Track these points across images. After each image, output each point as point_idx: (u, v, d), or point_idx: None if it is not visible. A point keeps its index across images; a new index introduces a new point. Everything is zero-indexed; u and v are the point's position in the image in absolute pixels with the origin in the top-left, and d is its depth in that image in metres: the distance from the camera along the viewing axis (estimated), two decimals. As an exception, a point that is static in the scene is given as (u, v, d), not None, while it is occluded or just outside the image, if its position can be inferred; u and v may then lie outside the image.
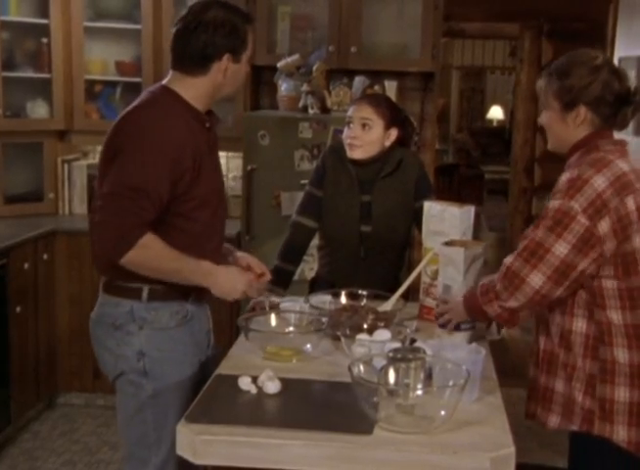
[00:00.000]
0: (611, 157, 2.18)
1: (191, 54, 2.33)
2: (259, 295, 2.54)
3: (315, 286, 3.20)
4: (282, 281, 3.04)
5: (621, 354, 2.15)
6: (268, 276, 2.58)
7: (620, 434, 2.15)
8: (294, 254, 3.17)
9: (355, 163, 3.03)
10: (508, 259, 2.20)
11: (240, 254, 2.65)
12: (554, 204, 2.13)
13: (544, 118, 2.30)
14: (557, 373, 2.24)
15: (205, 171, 2.35)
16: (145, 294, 2.35)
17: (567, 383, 2.22)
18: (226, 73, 2.36)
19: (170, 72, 2.40)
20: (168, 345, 2.38)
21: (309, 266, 4.10)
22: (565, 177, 2.17)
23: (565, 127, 2.25)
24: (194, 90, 2.36)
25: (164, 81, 2.40)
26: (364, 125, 2.99)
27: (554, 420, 2.26)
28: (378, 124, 2.99)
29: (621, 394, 2.14)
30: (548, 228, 2.12)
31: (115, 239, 2.21)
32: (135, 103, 2.36)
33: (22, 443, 3.95)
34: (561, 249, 2.10)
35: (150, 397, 2.36)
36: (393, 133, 3.02)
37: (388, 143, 3.02)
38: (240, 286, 2.36)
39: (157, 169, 2.23)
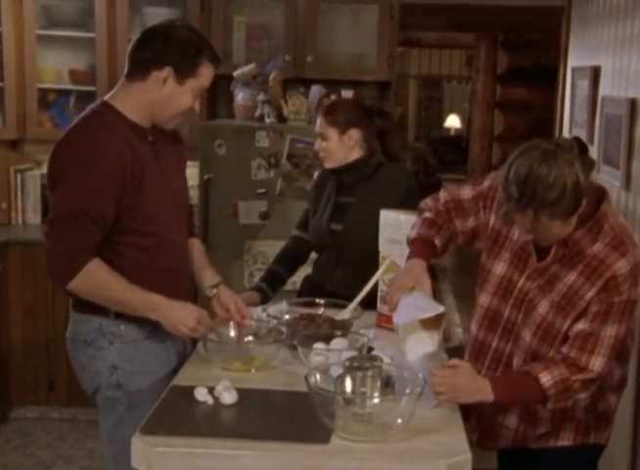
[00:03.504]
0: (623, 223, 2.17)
1: (137, 57, 2.32)
2: (208, 333, 2.39)
3: (304, 284, 3.29)
4: (270, 282, 3.12)
5: None
6: (247, 322, 2.50)
7: None
8: (287, 260, 3.25)
9: (334, 171, 3.12)
10: (596, 365, 2.09)
11: (224, 290, 2.53)
12: (623, 297, 2.08)
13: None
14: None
15: (151, 185, 2.33)
16: (112, 310, 2.34)
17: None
18: (163, 87, 2.31)
19: (118, 83, 2.39)
20: (140, 356, 2.38)
21: (267, 275, 4.09)
22: (623, 268, 2.08)
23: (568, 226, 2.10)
24: (131, 100, 2.33)
25: (107, 96, 2.39)
26: (322, 138, 3.07)
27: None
28: (332, 133, 3.05)
29: None
30: (619, 321, 2.10)
31: (61, 264, 2.24)
32: (72, 124, 2.34)
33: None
34: (621, 330, 2.11)
35: (126, 409, 2.35)
36: (354, 134, 3.04)
37: (351, 143, 3.05)
38: (189, 322, 2.30)
39: (95, 189, 2.22)
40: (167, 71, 2.29)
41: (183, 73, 2.31)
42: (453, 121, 13.16)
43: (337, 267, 3.12)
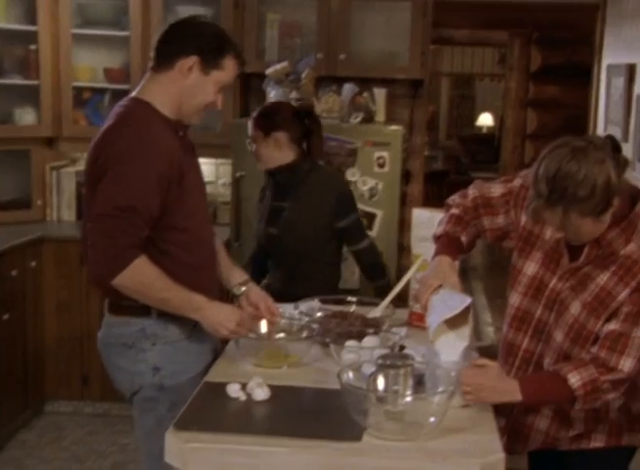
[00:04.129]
0: None
1: (163, 49, 2.33)
2: (248, 334, 2.42)
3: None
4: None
5: None
6: (277, 319, 2.51)
7: None
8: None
9: (270, 173, 3.24)
10: (625, 366, 2.05)
11: (253, 288, 2.56)
12: None
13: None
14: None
15: (189, 180, 2.35)
16: (154, 311, 2.34)
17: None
18: (189, 76, 2.31)
19: (144, 78, 2.40)
20: (180, 356, 2.39)
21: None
22: None
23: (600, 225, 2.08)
24: (160, 92, 2.33)
25: (135, 92, 2.39)
26: (253, 142, 3.19)
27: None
28: (258, 137, 3.17)
29: None
30: None
31: (107, 260, 2.22)
32: (110, 122, 2.34)
33: (10, 450, 3.92)
34: None
35: (168, 410, 2.34)
36: (279, 136, 3.13)
37: (278, 146, 3.13)
38: (229, 325, 2.31)
39: (142, 185, 2.23)
40: (193, 60, 2.30)
41: (208, 64, 2.32)
42: (485, 120, 13.07)
43: (277, 269, 3.25)
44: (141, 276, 2.24)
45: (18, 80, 4.40)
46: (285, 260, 3.23)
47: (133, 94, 2.39)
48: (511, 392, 2.04)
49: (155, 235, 2.29)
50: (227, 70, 2.35)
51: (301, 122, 3.20)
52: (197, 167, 2.48)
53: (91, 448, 3.97)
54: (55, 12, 4.36)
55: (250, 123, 3.21)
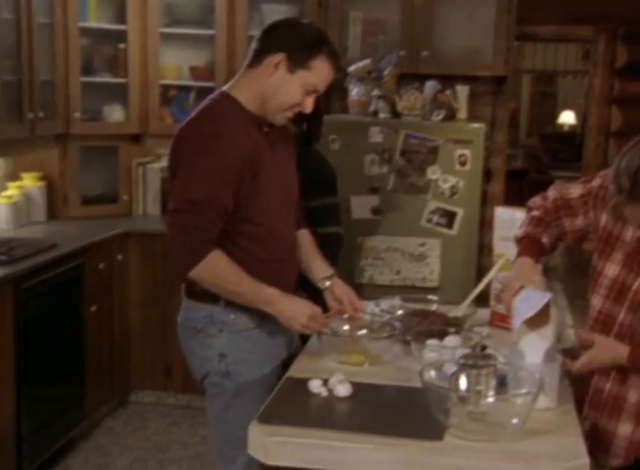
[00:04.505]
0: None
1: (257, 46, 2.35)
2: (321, 329, 2.39)
3: None
4: None
5: None
6: (360, 315, 2.50)
7: None
8: None
9: None
10: None
11: (338, 283, 2.54)
12: None
13: None
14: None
15: (265, 175, 2.36)
16: (222, 298, 2.38)
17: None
18: (274, 73, 2.30)
19: (237, 73, 2.43)
20: (248, 346, 2.41)
21: (379, 270, 4.12)
22: None
23: None
24: (247, 88, 2.35)
25: (226, 86, 2.43)
26: None
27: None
28: None
29: None
30: None
31: (183, 254, 2.27)
32: (192, 114, 2.38)
33: (96, 438, 4.04)
34: None
35: (233, 397, 2.40)
36: None
37: None
38: (301, 319, 2.32)
39: (216, 179, 2.26)
40: (280, 57, 2.29)
41: (295, 62, 2.29)
42: (567, 117, 12.82)
43: None
44: (215, 270, 2.28)
45: (107, 78, 4.53)
46: None
47: (224, 88, 2.42)
48: (618, 349, 2.09)
49: (229, 228, 2.32)
50: (315, 72, 2.31)
51: None
52: (283, 162, 2.48)
53: (173, 439, 4.06)
54: (144, 11, 4.47)
55: None
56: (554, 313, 2.17)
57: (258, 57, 2.33)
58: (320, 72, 2.32)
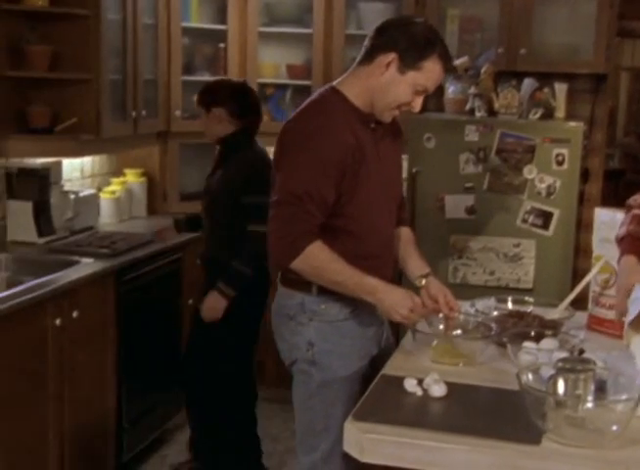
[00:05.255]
0: None
1: (369, 44, 2.36)
2: (419, 321, 2.41)
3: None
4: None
5: None
6: (456, 314, 2.48)
7: None
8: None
9: (214, 144, 3.58)
10: None
11: (434, 281, 2.53)
12: None
13: None
14: None
15: (368, 171, 2.37)
16: (315, 287, 2.41)
17: None
18: (385, 72, 2.31)
19: (349, 70, 2.45)
20: (336, 337, 2.44)
21: (472, 271, 4.09)
22: None
23: None
24: (356, 85, 2.37)
25: (336, 82, 2.45)
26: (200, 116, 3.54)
27: None
28: (202, 113, 3.53)
29: None
30: None
31: (285, 246, 2.31)
32: (300, 107, 2.42)
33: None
34: None
35: (318, 386, 2.43)
36: (219, 112, 3.45)
37: (219, 120, 3.45)
38: (401, 310, 2.32)
39: (318, 173, 2.28)
40: (392, 57, 2.30)
41: (406, 63, 2.30)
42: (669, 115, 12.40)
43: (208, 238, 3.60)
44: (315, 261, 2.31)
45: (207, 77, 4.62)
46: (209, 227, 3.53)
47: (333, 83, 2.45)
48: None
49: (328, 223, 2.35)
50: (426, 73, 2.31)
51: (242, 99, 3.46)
52: (387, 159, 2.48)
53: (266, 432, 4.10)
54: (244, 11, 4.55)
55: (196, 101, 3.55)
56: None
57: (370, 55, 2.35)
58: (430, 73, 2.33)
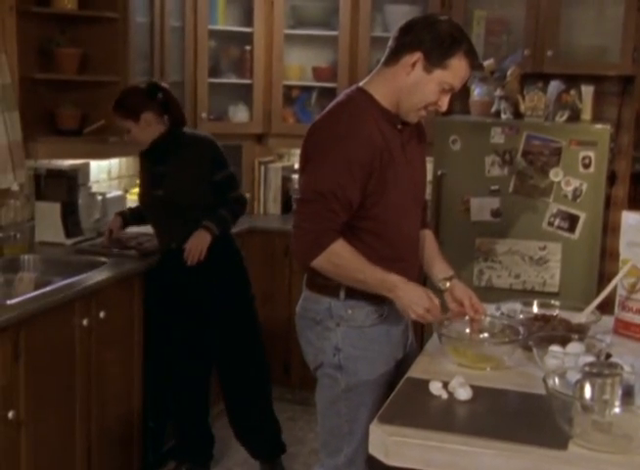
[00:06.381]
0: None
1: (394, 44, 2.35)
2: (435, 322, 2.38)
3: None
4: (135, 215, 3.85)
5: None
6: (482, 318, 2.46)
7: None
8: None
9: (150, 149, 3.56)
10: None
11: (458, 284, 2.51)
12: None
13: None
14: None
15: (396, 172, 2.37)
16: (342, 293, 2.41)
17: None
18: (411, 72, 2.31)
19: (374, 70, 2.45)
20: (363, 342, 2.44)
21: (497, 274, 4.08)
22: None
23: None
24: (382, 85, 2.37)
25: (362, 82, 2.45)
26: (128, 132, 3.51)
27: None
28: (131, 125, 3.48)
29: None
30: None
31: (307, 243, 2.31)
32: (327, 108, 2.42)
33: (216, 430, 4.10)
34: None
35: (343, 391, 2.43)
36: (147, 116, 3.46)
37: (149, 124, 3.47)
38: (417, 309, 2.30)
39: (344, 173, 2.28)
40: (417, 56, 2.29)
41: (432, 62, 2.28)
42: (698, 116, 12.28)
43: (165, 227, 3.60)
44: (338, 259, 2.31)
45: (233, 79, 4.66)
46: (173, 215, 3.54)
47: (360, 84, 2.45)
48: None
49: (354, 224, 2.35)
50: (452, 71, 2.30)
51: (158, 97, 3.49)
52: (414, 160, 2.48)
53: (291, 434, 4.11)
54: (270, 14, 4.57)
55: (117, 117, 3.51)
56: None
57: (395, 55, 2.34)
58: (457, 71, 2.31)
